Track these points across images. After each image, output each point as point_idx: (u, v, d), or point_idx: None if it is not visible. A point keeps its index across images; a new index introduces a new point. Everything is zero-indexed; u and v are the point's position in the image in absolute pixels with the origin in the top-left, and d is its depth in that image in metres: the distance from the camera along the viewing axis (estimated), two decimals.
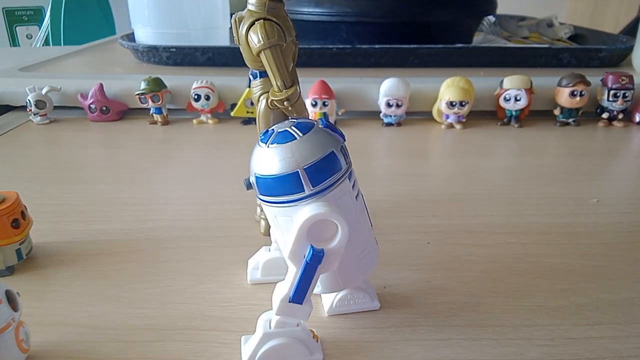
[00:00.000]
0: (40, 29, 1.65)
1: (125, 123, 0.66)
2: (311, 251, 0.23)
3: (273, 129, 0.24)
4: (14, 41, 1.89)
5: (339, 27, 0.81)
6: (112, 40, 1.05)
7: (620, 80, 0.61)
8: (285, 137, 0.23)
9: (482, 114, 0.65)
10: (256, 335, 0.25)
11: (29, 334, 0.25)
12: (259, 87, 0.31)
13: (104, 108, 0.65)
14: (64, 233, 0.38)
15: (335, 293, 0.29)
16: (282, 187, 0.23)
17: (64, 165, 0.52)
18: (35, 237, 0.36)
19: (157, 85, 0.63)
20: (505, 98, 0.63)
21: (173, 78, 0.65)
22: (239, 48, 0.30)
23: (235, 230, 0.39)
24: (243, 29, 0.28)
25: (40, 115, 0.64)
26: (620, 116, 0.63)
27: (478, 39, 0.98)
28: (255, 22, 0.28)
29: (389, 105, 0.62)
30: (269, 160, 0.23)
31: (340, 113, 0.64)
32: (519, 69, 0.69)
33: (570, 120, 0.64)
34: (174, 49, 0.76)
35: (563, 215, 0.41)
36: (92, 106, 0.64)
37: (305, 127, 0.24)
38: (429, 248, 0.36)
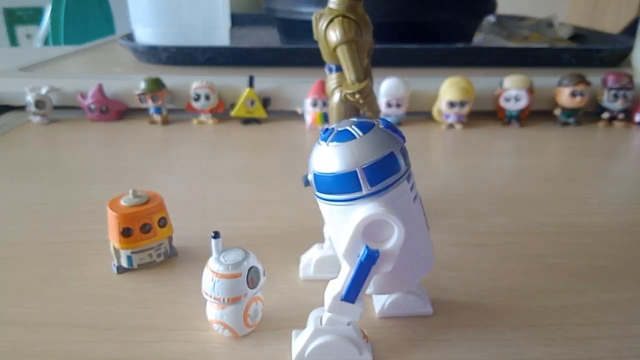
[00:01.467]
0: (40, 29, 1.65)
1: (125, 123, 0.65)
2: (366, 251, 0.23)
3: (333, 128, 0.24)
4: (14, 41, 1.90)
5: None
6: (112, 40, 1.05)
7: (620, 80, 0.61)
8: (345, 136, 0.23)
9: (482, 114, 0.65)
10: (307, 331, 0.25)
11: (258, 312, 0.27)
12: (334, 80, 0.32)
13: (104, 108, 0.65)
14: (64, 233, 0.38)
15: (387, 295, 0.29)
16: (340, 185, 0.23)
17: (64, 165, 0.52)
18: (34, 236, 0.36)
19: (156, 85, 0.63)
20: (505, 98, 0.62)
21: (173, 78, 0.65)
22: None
23: (235, 231, 0.38)
24: (323, 25, 0.30)
25: (40, 115, 0.64)
26: (621, 116, 0.63)
27: (478, 39, 0.98)
28: (334, 19, 0.29)
29: (389, 105, 0.62)
30: (328, 158, 0.23)
31: None
32: (519, 69, 0.69)
33: (571, 120, 0.64)
34: (174, 49, 0.76)
35: (563, 215, 0.41)
36: (92, 106, 0.64)
37: (366, 127, 0.23)
38: None
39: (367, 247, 0.23)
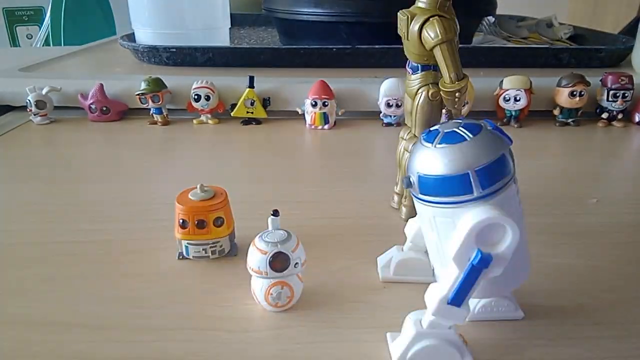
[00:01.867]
0: (40, 29, 1.65)
1: (125, 123, 0.65)
2: (479, 255, 0.22)
3: (438, 130, 0.24)
4: (14, 41, 1.89)
5: (338, 27, 0.81)
6: (113, 41, 1.05)
7: (619, 80, 0.61)
8: (454, 138, 0.23)
9: (482, 114, 0.65)
10: (407, 334, 0.25)
11: (282, 296, 0.29)
12: (418, 80, 0.32)
13: (104, 108, 0.65)
14: (64, 233, 0.38)
15: (477, 299, 0.28)
16: (449, 187, 0.23)
17: (64, 165, 0.52)
18: (34, 236, 0.36)
19: (157, 86, 0.63)
20: (504, 98, 0.63)
21: (173, 78, 0.65)
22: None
23: (238, 231, 0.38)
24: (416, 25, 0.30)
25: (40, 116, 0.64)
26: (620, 116, 0.63)
27: (478, 39, 0.98)
28: (431, 18, 0.29)
29: (389, 105, 0.62)
30: (436, 160, 0.23)
31: (340, 113, 0.64)
32: (518, 69, 0.69)
33: (570, 120, 0.64)
34: (174, 49, 0.76)
35: (563, 215, 0.41)
36: (93, 106, 0.64)
37: (474, 129, 0.23)
38: None
39: (479, 250, 0.22)
